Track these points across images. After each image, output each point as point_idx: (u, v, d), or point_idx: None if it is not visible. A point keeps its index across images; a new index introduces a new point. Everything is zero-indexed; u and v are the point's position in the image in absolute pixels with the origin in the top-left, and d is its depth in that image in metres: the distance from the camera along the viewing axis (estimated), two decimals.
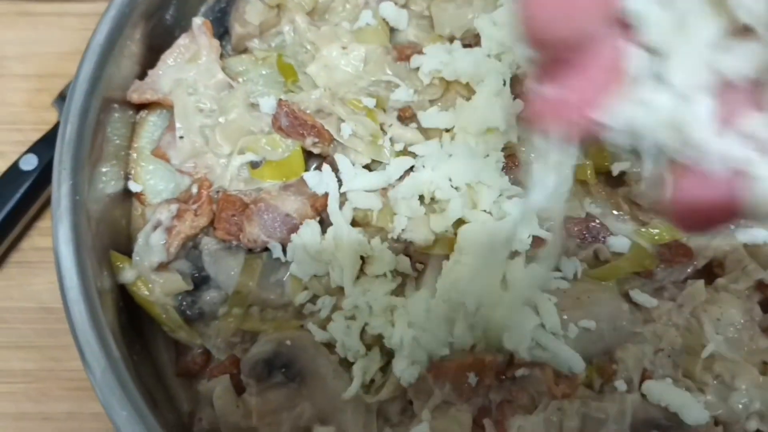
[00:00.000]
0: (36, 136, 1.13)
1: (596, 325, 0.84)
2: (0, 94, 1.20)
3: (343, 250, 0.84)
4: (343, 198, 0.89)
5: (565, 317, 0.84)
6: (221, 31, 1.02)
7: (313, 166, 0.93)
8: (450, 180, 0.86)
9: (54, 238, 0.81)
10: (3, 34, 1.23)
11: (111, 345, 0.78)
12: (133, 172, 0.95)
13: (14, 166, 1.08)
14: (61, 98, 1.16)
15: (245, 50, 1.00)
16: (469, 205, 0.87)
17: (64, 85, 1.18)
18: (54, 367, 1.04)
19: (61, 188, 0.82)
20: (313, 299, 0.88)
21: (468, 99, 0.93)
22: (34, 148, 1.09)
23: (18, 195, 1.06)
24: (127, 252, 0.91)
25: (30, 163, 1.08)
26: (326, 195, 0.88)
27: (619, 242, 0.90)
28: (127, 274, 0.87)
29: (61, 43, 1.24)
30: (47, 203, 1.12)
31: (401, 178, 0.90)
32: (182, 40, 0.96)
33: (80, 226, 0.82)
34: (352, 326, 0.84)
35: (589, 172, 0.91)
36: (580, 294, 0.87)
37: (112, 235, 0.91)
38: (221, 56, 0.99)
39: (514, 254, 0.85)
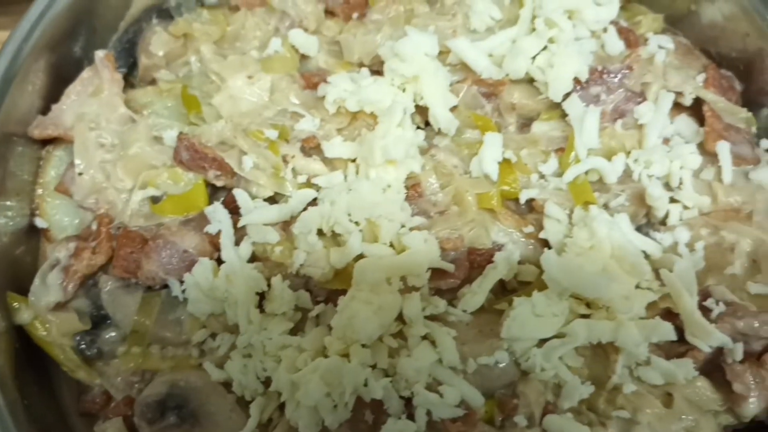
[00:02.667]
0: None
1: (496, 360, 0.82)
2: None
3: (236, 287, 0.83)
4: (243, 232, 0.87)
5: (465, 350, 0.83)
6: (130, 61, 1.01)
7: (221, 200, 0.91)
8: (349, 215, 0.84)
9: None
10: None
11: None
12: (39, 208, 0.94)
13: None
14: None
15: (153, 81, 0.99)
16: (369, 238, 0.85)
17: None
18: None
19: None
20: (213, 336, 0.86)
21: (374, 128, 0.91)
22: None
23: None
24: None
25: None
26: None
27: (527, 270, 0.88)
28: (23, 315, 0.86)
29: None
30: None
31: (304, 210, 0.88)
32: (86, 74, 0.95)
33: None
34: (248, 365, 0.83)
35: (494, 200, 0.90)
36: (483, 326, 0.85)
37: (13, 273, 0.90)
38: (130, 86, 0.98)
39: (411, 289, 0.83)
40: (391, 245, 0.86)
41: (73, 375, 0.89)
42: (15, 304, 0.87)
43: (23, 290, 0.89)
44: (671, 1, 1.06)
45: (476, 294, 0.85)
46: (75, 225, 0.94)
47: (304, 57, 1.00)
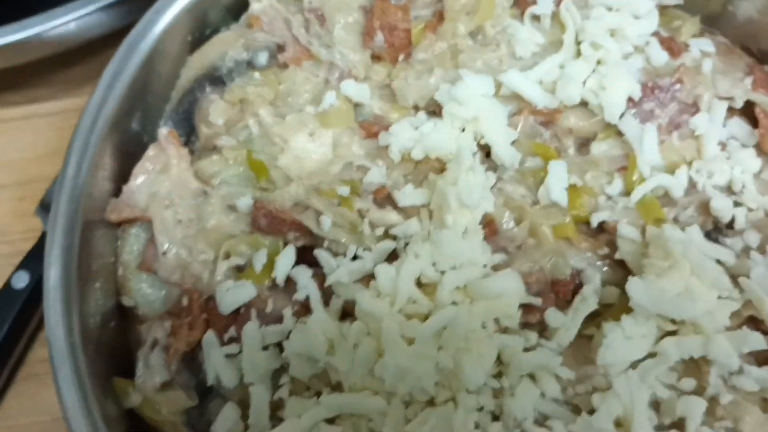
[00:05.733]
0: (24, 245, 1.14)
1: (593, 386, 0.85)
2: None
3: (335, 348, 0.85)
4: (330, 290, 0.90)
5: (563, 381, 0.86)
6: (188, 130, 1.03)
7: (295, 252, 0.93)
8: (434, 265, 0.87)
9: (56, 386, 0.82)
10: None
11: None
12: (122, 287, 0.96)
13: (7, 286, 1.09)
14: (42, 207, 1.17)
15: (214, 147, 1.00)
16: (454, 285, 0.87)
17: (44, 191, 1.19)
18: None
19: (55, 334, 0.84)
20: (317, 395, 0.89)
21: (440, 171, 0.93)
22: (24, 264, 1.11)
23: (14, 313, 1.08)
24: (129, 367, 0.93)
25: (22, 280, 1.10)
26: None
27: (608, 293, 0.91)
28: (133, 399, 0.89)
29: (34, 147, 1.25)
30: None
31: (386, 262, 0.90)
32: (151, 152, 0.97)
33: (80, 368, 0.84)
34: (356, 422, 0.85)
35: (570, 229, 0.92)
36: (575, 354, 0.88)
37: (111, 355, 0.93)
38: (191, 156, 1.00)
39: (505, 329, 0.86)
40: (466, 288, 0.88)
41: None
42: (123, 389, 0.89)
43: (122, 371, 0.92)
44: (706, 2, 1.07)
45: (569, 329, 0.87)
46: (162, 299, 0.95)
47: (357, 105, 1.01)
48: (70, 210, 0.89)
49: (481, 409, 0.84)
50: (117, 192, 0.97)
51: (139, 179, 0.96)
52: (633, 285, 0.86)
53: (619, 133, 0.97)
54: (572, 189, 0.95)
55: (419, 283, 0.88)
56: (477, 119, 0.93)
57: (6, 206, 1.21)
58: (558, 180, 0.94)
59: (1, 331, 1.06)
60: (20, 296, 1.09)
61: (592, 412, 0.84)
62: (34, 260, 1.11)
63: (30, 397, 1.11)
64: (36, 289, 1.09)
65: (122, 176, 0.98)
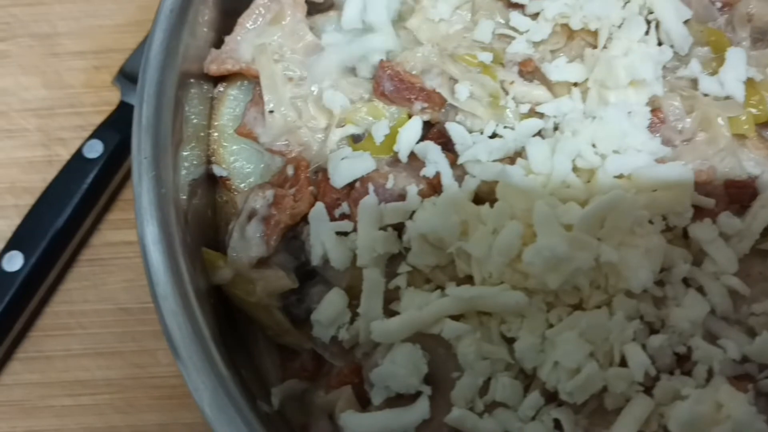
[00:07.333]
0: (97, 119, 1.03)
1: None
2: (56, 75, 1.09)
3: (469, 234, 0.72)
4: (461, 171, 0.76)
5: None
6: None
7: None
8: (594, 146, 0.73)
9: (141, 240, 0.69)
10: (54, 9, 1.13)
11: (217, 361, 0.68)
12: (215, 154, 0.84)
13: (78, 155, 0.98)
14: (123, 75, 1.05)
15: (332, 6, 0.87)
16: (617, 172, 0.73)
17: (123, 61, 1.07)
18: (139, 374, 0.95)
19: (142, 181, 0.71)
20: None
21: (596, 48, 0.79)
22: (98, 134, 1.00)
23: (85, 186, 0.97)
24: (215, 247, 0.80)
25: (95, 150, 0.98)
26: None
27: None
28: (223, 274, 0.76)
29: (115, 15, 1.13)
30: (116, 193, 1.02)
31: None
32: (261, 0, 0.83)
33: (169, 223, 0.71)
34: (484, 321, 0.72)
35: (747, 125, 0.78)
36: (749, 269, 0.74)
37: (199, 229, 0.80)
38: (306, 14, 0.86)
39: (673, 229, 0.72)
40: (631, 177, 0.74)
41: (279, 340, 0.78)
42: (213, 262, 0.76)
43: (210, 248, 0.79)
44: None
45: (744, 237, 0.73)
46: (260, 171, 0.83)
47: None
48: (168, 48, 0.76)
49: (640, 318, 0.70)
50: (219, 44, 0.84)
51: (245, 29, 0.82)
52: None
53: None
54: (750, 83, 0.80)
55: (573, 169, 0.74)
56: None
57: (81, 76, 1.09)
58: (736, 69, 0.79)
59: (72, 200, 0.94)
60: (92, 166, 0.97)
61: None
62: (109, 130, 1.00)
63: (94, 283, 1.00)
64: (110, 160, 0.98)
65: (226, 30, 0.85)
